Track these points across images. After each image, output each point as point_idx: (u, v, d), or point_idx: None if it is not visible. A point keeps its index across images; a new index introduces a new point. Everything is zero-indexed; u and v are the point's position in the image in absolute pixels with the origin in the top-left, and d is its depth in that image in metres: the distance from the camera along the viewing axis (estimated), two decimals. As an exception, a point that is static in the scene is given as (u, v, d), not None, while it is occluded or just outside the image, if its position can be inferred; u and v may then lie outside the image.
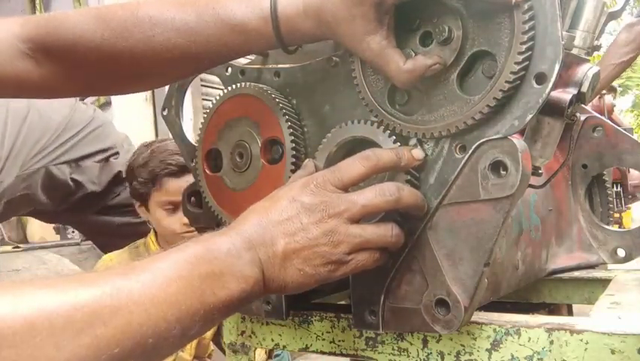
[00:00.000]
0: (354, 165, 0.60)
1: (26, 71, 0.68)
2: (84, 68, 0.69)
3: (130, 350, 0.46)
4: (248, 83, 0.76)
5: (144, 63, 0.66)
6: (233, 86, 0.76)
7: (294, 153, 0.70)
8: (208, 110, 0.79)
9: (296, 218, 0.57)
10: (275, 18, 0.62)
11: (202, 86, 3.03)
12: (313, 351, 0.76)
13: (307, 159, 0.68)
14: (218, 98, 0.78)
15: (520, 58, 0.54)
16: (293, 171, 0.70)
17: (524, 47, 0.54)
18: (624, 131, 0.93)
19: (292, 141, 0.70)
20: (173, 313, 0.49)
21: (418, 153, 0.62)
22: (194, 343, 1.66)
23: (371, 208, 0.58)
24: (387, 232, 0.60)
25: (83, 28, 0.66)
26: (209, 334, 1.70)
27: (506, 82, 0.55)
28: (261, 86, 0.74)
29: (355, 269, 0.59)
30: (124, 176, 1.83)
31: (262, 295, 0.58)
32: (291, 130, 0.70)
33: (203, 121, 0.80)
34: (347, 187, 0.60)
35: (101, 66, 0.68)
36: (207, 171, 0.80)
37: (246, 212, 0.60)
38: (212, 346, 1.81)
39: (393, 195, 0.59)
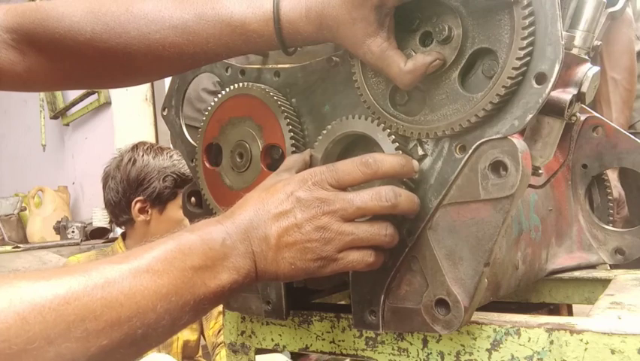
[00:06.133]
0: (352, 170, 0.59)
1: (10, 62, 0.67)
2: (73, 62, 0.68)
3: (119, 341, 0.46)
4: (255, 85, 0.75)
5: (138, 60, 0.66)
6: (241, 85, 0.76)
7: None
8: (213, 103, 0.79)
9: (291, 213, 0.58)
10: (277, 20, 0.62)
11: (202, 86, 3.03)
12: (313, 351, 0.76)
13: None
14: (224, 93, 0.78)
15: (522, 53, 0.54)
16: None
17: (525, 42, 0.54)
18: (624, 132, 0.93)
19: (293, 152, 0.70)
20: (163, 305, 0.49)
21: (416, 166, 0.62)
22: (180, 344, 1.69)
23: (366, 211, 0.59)
24: (380, 230, 0.60)
25: (71, 21, 0.65)
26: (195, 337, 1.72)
27: (508, 78, 0.55)
28: (268, 89, 0.74)
29: (346, 268, 0.59)
30: None
31: (254, 283, 0.59)
32: (293, 141, 0.70)
33: (207, 112, 0.79)
34: (343, 188, 0.60)
35: (91, 61, 0.67)
36: (206, 164, 0.80)
37: (242, 201, 0.60)
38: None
39: (390, 201, 0.58)
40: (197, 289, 0.52)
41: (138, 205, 1.64)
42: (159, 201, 1.64)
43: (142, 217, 1.66)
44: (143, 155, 1.66)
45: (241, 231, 0.57)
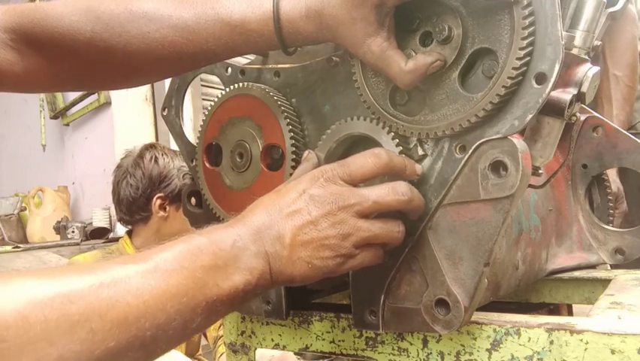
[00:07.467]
0: (365, 162, 0.59)
1: (8, 63, 0.66)
2: (72, 62, 0.67)
3: (127, 343, 0.44)
4: (255, 85, 0.75)
5: (138, 60, 0.65)
6: (241, 85, 0.76)
7: (294, 164, 0.70)
8: (213, 103, 0.79)
9: (305, 210, 0.57)
10: (277, 20, 0.61)
11: (202, 86, 3.03)
12: (313, 351, 0.76)
13: (307, 150, 0.68)
14: (224, 92, 0.77)
15: (522, 53, 0.54)
16: None
17: (525, 42, 0.54)
18: (624, 132, 0.93)
19: (293, 152, 0.70)
20: (173, 305, 0.48)
21: (419, 169, 0.62)
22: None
23: (382, 205, 0.58)
24: (393, 228, 0.60)
25: (71, 20, 0.64)
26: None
27: (508, 78, 0.55)
28: (268, 89, 0.74)
29: (361, 264, 0.59)
30: None
31: (270, 288, 0.57)
32: (293, 141, 0.70)
33: (207, 112, 0.79)
34: (356, 183, 0.59)
35: (91, 61, 0.66)
36: (206, 164, 0.80)
37: (252, 205, 0.59)
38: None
39: (406, 195, 0.58)
40: (209, 290, 0.51)
41: (159, 202, 1.73)
42: (178, 198, 1.72)
43: (161, 213, 1.74)
44: (163, 155, 1.76)
45: (252, 232, 0.55)
